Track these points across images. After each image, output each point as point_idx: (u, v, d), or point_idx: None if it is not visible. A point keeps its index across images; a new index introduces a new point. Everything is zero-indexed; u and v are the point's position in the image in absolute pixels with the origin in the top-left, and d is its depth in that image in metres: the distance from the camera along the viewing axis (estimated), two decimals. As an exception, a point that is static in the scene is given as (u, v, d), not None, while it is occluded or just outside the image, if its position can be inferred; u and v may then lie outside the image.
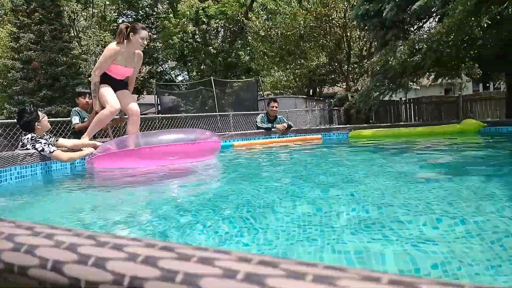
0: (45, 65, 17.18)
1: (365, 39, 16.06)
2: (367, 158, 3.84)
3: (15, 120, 3.82)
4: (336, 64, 16.57)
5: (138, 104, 4.79)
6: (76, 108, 4.69)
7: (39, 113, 3.67)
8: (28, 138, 3.58)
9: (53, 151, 3.52)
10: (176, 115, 10.35)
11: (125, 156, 3.48)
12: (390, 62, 9.05)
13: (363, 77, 16.32)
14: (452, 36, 7.81)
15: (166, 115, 11.16)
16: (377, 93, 10.10)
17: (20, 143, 3.67)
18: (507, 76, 9.85)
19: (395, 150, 4.49)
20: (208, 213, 1.84)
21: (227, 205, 2.00)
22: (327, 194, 2.11)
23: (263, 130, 6.38)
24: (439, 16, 9.57)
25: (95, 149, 3.68)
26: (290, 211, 1.78)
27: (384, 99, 11.15)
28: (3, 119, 13.60)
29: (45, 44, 17.31)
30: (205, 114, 11.52)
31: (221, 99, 14.82)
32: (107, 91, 3.93)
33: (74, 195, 2.69)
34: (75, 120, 4.54)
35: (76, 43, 21.12)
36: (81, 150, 3.78)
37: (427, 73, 9.83)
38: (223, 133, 6.77)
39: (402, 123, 12.30)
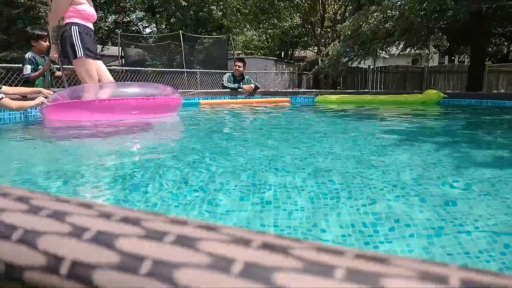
0: (0, 7, 15.80)
1: (340, 2, 15.83)
2: (329, 123, 3.91)
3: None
4: (310, 26, 16.33)
5: (101, 55, 4.52)
6: (30, 54, 4.16)
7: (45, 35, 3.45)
8: None
9: (1, 98, 3.30)
10: (140, 68, 9.97)
11: (76, 107, 3.31)
12: (362, 28, 9.02)
13: (334, 42, 16.26)
14: (424, 5, 7.83)
15: (130, 68, 10.72)
16: (346, 58, 10.12)
17: None
18: (472, 49, 10.12)
19: (357, 116, 4.58)
20: (141, 174, 1.81)
21: (167, 166, 1.98)
22: (276, 155, 2.12)
23: (229, 90, 6.28)
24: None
25: (46, 98, 3.49)
26: (238, 177, 1.78)
27: (352, 65, 11.22)
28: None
29: (-1, -18, 15.83)
30: (171, 70, 11.15)
31: (190, 55, 14.35)
32: (91, 71, 3.62)
33: (13, 147, 2.56)
34: (27, 69, 4.11)
35: (34, -16, 19.43)
36: (34, 99, 3.57)
37: (397, 41, 9.91)
38: (188, 90, 6.61)
39: (367, 90, 12.50)
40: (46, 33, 4.22)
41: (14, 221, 0.27)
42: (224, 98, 6.04)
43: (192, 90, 6.86)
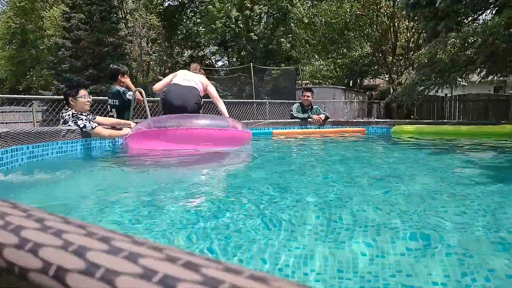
0: (92, 45, 17.82)
1: (413, 30, 15.33)
2: (412, 155, 3.65)
3: (60, 97, 3.95)
4: (380, 55, 15.96)
5: None
6: (122, 89, 4.48)
7: (81, 91, 3.70)
8: (69, 115, 3.69)
9: (94, 127, 3.62)
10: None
11: (154, 136, 3.51)
12: (439, 55, 8.57)
13: (408, 70, 15.63)
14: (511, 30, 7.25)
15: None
16: (422, 87, 9.63)
17: (62, 120, 3.78)
18: None
19: (441, 148, 4.26)
20: (220, 199, 1.80)
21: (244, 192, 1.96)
22: (364, 192, 2.01)
23: (299, 120, 6.26)
24: (496, 8, 8.91)
25: (130, 128, 3.76)
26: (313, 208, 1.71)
27: (428, 94, 10.64)
28: (51, 95, 14.33)
29: (94, 24, 17.93)
30: (242, 100, 11.51)
31: (259, 86, 14.75)
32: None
33: (99, 173, 2.75)
34: (131, 96, 4.41)
35: (123, 25, 21.70)
36: (121, 129, 3.87)
37: (478, 69, 9.24)
38: (258, 120, 6.72)
39: (446, 120, 11.70)
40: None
41: (98, 261, 0.29)
42: (297, 128, 6.02)
43: (261, 120, 6.97)
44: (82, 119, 3.63)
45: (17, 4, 26.68)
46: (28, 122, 15.68)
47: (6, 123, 15.14)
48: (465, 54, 8.14)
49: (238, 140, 3.83)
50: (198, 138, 3.52)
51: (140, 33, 22.49)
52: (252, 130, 5.76)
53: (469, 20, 9.80)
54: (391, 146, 4.67)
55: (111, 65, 4.68)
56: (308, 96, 6.26)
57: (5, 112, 16.04)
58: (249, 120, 8.52)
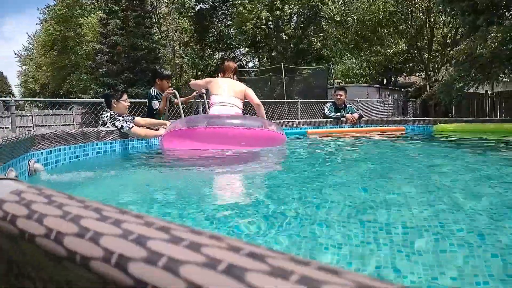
0: (128, 50, 18.41)
1: (450, 25, 14.75)
2: (458, 155, 3.45)
3: (98, 100, 4.11)
4: (416, 52, 15.46)
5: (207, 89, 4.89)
6: (155, 91, 4.64)
7: (124, 94, 3.90)
8: (107, 116, 3.82)
9: (131, 127, 3.73)
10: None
11: (184, 135, 3.50)
12: (479, 50, 8.19)
13: (445, 67, 15.04)
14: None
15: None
16: (461, 84, 9.23)
17: (101, 121, 3.93)
18: None
19: (488, 146, 4.06)
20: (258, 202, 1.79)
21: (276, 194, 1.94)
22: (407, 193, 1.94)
23: (332, 119, 6.16)
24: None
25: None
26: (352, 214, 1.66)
27: (468, 91, 10.18)
28: (90, 98, 14.92)
29: (129, 29, 18.52)
30: (273, 100, 11.49)
31: (290, 86, 14.68)
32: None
33: (137, 171, 2.82)
34: (155, 104, 4.59)
35: (157, 29, 22.27)
36: (158, 129, 3.96)
37: (523, 63, 8.75)
38: (290, 120, 6.69)
39: (487, 118, 11.15)
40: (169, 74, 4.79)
41: (160, 249, 0.29)
42: (332, 127, 5.91)
43: (293, 119, 6.93)
44: (119, 120, 3.76)
45: (58, 13, 28.02)
46: (68, 124, 16.44)
47: (49, 125, 15.94)
48: (508, 48, 7.72)
49: (271, 141, 3.78)
50: (228, 137, 3.47)
51: (173, 37, 23.00)
52: (285, 130, 5.74)
53: (510, 13, 9.31)
54: (435, 145, 4.46)
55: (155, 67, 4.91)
56: (341, 95, 6.15)
57: (48, 115, 16.89)
58: (281, 120, 8.48)
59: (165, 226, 0.31)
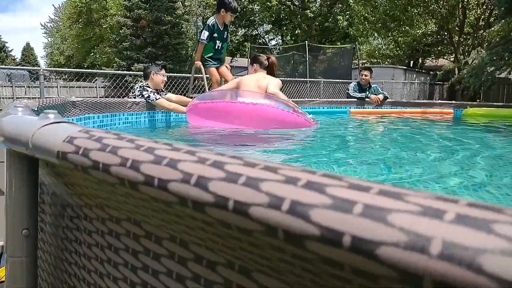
0: (151, 24, 18.40)
1: (484, 6, 14.08)
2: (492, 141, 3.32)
3: (123, 72, 4.17)
4: (446, 33, 14.88)
5: (231, 66, 4.78)
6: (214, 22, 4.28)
7: (163, 69, 3.93)
8: (139, 86, 3.90)
9: (158, 99, 3.78)
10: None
11: (206, 111, 3.34)
12: (515, 33, 7.83)
13: (476, 50, 14.47)
14: None
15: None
16: (493, 68, 8.88)
17: (132, 90, 4.03)
18: None
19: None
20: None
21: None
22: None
23: (355, 100, 6.07)
24: None
25: None
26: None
27: (499, 75, 9.81)
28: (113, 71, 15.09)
29: (153, 3, 18.44)
30: (295, 79, 11.37)
31: (313, 65, 14.45)
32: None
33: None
34: (204, 35, 4.26)
35: (180, 3, 22.10)
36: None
37: (562, 48, 8.33)
38: (312, 99, 6.63)
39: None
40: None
41: (238, 170, 0.30)
42: (375, 108, 5.79)
43: (316, 99, 6.86)
44: (147, 91, 3.82)
45: (83, -15, 28.15)
46: (92, 97, 16.76)
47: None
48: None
49: (295, 124, 3.44)
50: (253, 115, 3.23)
51: (196, 12, 22.81)
52: (326, 108, 5.65)
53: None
54: (468, 129, 4.31)
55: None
56: (366, 75, 6.03)
57: (72, 87, 17.23)
58: (303, 98, 8.41)
59: (237, 156, 0.33)
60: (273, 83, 3.62)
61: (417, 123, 4.70)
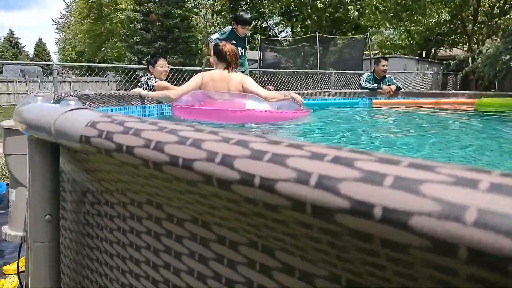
0: (161, 18, 18.42)
1: (500, -7, 13.74)
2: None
3: (134, 66, 4.17)
4: (460, 22, 14.58)
5: None
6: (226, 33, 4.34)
7: (160, 60, 3.92)
8: (145, 79, 3.94)
9: (155, 82, 3.82)
10: (275, 70, 10.33)
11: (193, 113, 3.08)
12: (531, 20, 7.62)
13: (490, 39, 14.14)
14: None
15: (267, 70, 11.22)
16: (508, 57, 8.69)
17: (139, 83, 4.07)
18: None
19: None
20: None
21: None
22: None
23: (367, 90, 5.99)
24: None
25: None
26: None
27: (516, 64, 9.58)
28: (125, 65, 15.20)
29: (162, -4, 18.46)
30: (306, 71, 11.30)
31: (324, 56, 14.32)
32: None
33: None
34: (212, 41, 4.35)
35: (190, -3, 22.07)
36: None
37: None
38: (324, 91, 6.57)
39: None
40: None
41: (263, 148, 0.31)
42: (403, 98, 5.71)
43: (328, 90, 6.81)
44: (151, 80, 3.87)
45: (93, -20, 28.27)
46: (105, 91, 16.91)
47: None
48: None
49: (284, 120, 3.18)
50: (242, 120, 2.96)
51: (206, 5, 22.76)
52: (337, 100, 5.57)
53: None
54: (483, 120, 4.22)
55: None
56: (387, 66, 5.92)
57: (85, 82, 17.41)
58: (314, 90, 8.36)
59: (260, 135, 0.33)
60: (249, 81, 3.21)
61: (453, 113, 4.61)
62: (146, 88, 3.92)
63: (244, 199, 0.30)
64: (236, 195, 0.30)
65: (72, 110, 0.54)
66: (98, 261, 0.66)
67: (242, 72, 4.39)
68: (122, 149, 0.40)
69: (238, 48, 4.31)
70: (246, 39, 4.45)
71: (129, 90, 4.72)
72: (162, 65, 3.97)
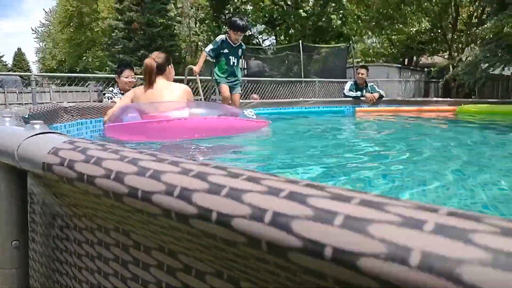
0: (144, 26, 18.33)
1: (477, 3, 14.16)
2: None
3: (115, 76, 4.12)
4: (440, 31, 14.95)
5: None
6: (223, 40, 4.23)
7: (126, 71, 3.80)
8: (109, 96, 3.92)
9: (111, 101, 3.79)
10: (259, 78, 10.36)
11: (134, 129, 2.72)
12: (506, 29, 7.88)
13: (470, 47, 14.55)
14: None
15: (251, 78, 11.25)
16: (486, 64, 8.93)
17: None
18: None
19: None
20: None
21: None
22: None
23: (351, 98, 6.08)
24: None
25: None
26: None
27: (493, 72, 9.87)
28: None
29: (144, 5, 18.36)
30: (290, 79, 11.38)
31: (307, 65, 14.47)
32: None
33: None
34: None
35: (173, 5, 22.03)
36: None
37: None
38: (308, 99, 6.63)
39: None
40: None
41: (221, 181, 0.29)
42: (371, 106, 5.78)
43: (312, 99, 6.87)
44: (107, 96, 3.84)
45: (74, -12, 28.02)
46: (85, 101, 16.67)
47: (67, 102, 16.20)
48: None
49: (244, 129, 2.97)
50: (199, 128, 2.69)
51: (189, 13, 22.76)
52: (324, 108, 5.62)
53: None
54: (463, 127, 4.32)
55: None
56: (362, 74, 6.03)
57: (65, 91, 17.13)
58: (298, 99, 8.42)
59: (220, 166, 0.33)
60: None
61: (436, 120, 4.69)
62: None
63: (203, 233, 0.30)
64: (196, 229, 0.30)
65: (36, 134, 0.52)
66: (68, 286, 0.65)
67: (235, 82, 4.37)
68: (83, 179, 0.39)
69: (230, 57, 4.27)
70: (241, 49, 4.32)
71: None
72: (128, 75, 3.82)
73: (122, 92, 3.84)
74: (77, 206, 0.56)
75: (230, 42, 4.21)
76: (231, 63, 4.27)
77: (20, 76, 11.57)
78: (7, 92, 15.98)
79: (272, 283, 0.30)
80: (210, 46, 4.27)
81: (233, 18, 4.27)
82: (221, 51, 4.23)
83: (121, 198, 0.35)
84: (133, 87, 3.62)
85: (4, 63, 43.37)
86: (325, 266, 0.22)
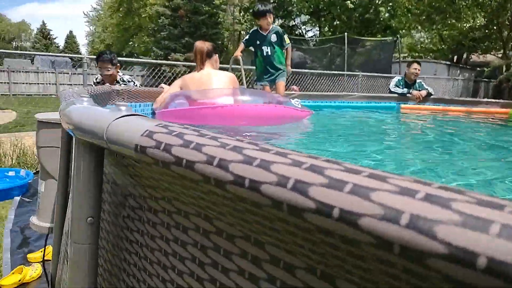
0: (189, 14, 18.58)
1: (540, -1, 13.15)
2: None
3: (160, 61, 4.18)
4: (495, 28, 14.06)
5: None
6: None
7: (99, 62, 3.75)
8: (128, 78, 4.02)
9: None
10: (301, 70, 10.20)
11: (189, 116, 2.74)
12: None
13: (528, 45, 13.59)
14: None
15: (292, 69, 11.11)
16: (547, 65, 8.30)
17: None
18: None
19: None
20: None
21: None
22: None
23: (396, 95, 5.85)
24: None
25: None
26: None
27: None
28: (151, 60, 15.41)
29: (192, -8, 18.60)
30: (332, 72, 11.14)
31: (351, 58, 14.10)
32: None
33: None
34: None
35: (218, -7, 22.16)
36: None
37: None
38: (350, 93, 6.47)
39: None
40: None
41: (341, 177, 0.30)
42: (431, 105, 5.56)
43: (355, 93, 6.70)
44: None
45: (125, -26, 28.83)
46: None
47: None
48: None
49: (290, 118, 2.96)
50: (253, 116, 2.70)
51: (234, 1, 22.81)
52: (368, 103, 5.48)
53: None
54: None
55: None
56: (418, 70, 5.74)
57: (112, 75, 17.76)
58: (340, 92, 8.25)
59: (333, 160, 0.31)
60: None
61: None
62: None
63: (318, 229, 0.29)
64: (311, 224, 0.28)
65: (123, 116, 0.53)
66: (137, 266, 0.66)
67: (275, 74, 4.31)
68: (182, 163, 0.39)
69: (263, 48, 4.22)
70: (273, 33, 4.13)
71: (155, 85, 4.74)
72: (100, 66, 3.77)
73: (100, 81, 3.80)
74: (157, 188, 0.57)
75: (261, 32, 4.17)
76: (265, 54, 4.23)
77: (72, 58, 12.10)
78: (58, 73, 16.82)
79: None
80: (246, 36, 4.36)
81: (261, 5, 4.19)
82: (255, 42, 4.21)
83: (224, 185, 0.34)
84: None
85: (57, 45, 45.62)
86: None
